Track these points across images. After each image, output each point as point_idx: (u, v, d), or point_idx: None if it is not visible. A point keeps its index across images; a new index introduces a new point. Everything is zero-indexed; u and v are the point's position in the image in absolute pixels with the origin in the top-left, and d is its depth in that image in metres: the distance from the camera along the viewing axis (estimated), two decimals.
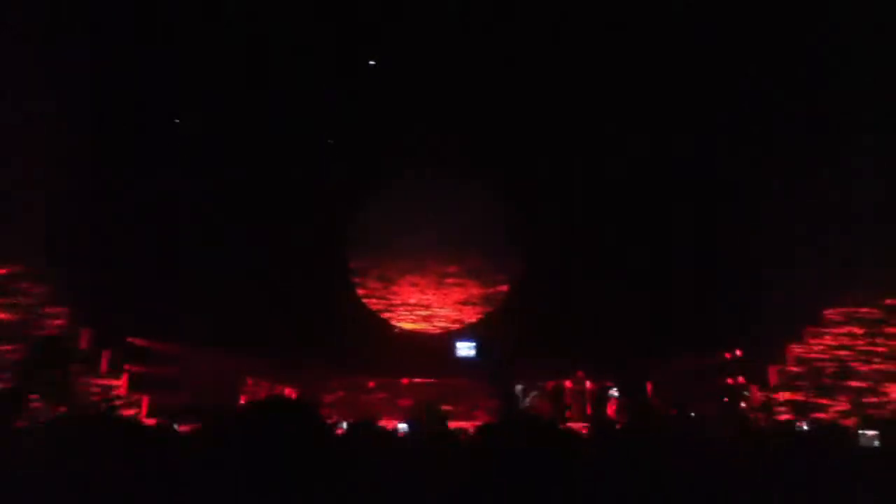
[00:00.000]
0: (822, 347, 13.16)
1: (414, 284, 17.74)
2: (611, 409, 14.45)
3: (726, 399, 13.25)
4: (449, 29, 12.92)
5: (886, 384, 12.53)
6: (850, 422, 11.59)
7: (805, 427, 8.81)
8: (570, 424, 10.32)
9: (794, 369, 13.19)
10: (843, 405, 12.48)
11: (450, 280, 17.74)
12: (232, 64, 13.06)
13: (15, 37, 10.44)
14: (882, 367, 12.66)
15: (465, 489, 2.25)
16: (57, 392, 10.83)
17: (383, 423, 7.68)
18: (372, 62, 13.85)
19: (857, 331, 13.09)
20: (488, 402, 15.16)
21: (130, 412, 12.24)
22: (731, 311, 12.94)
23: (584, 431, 7.32)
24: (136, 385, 13.01)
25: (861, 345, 12.94)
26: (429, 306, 17.67)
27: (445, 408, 12.75)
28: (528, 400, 15.20)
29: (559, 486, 2.10)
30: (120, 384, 12.85)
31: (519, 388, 15.24)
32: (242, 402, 13.60)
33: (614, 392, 14.64)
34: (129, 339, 13.09)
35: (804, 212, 12.25)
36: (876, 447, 5.90)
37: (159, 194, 13.59)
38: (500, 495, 2.11)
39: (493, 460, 2.25)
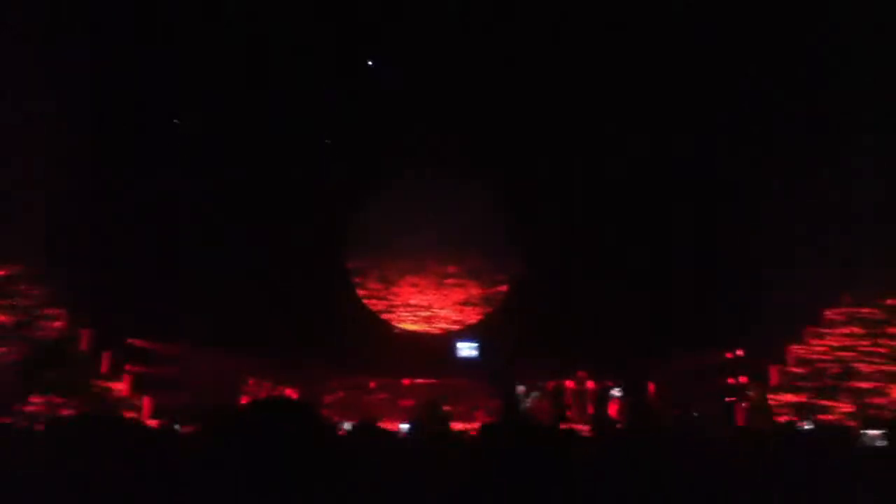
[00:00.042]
0: (823, 348, 13.13)
1: (414, 285, 17.73)
2: (613, 410, 14.42)
3: (728, 399, 13.24)
4: (449, 29, 12.92)
5: (890, 385, 12.48)
6: (853, 423, 11.55)
7: (807, 427, 8.79)
8: (572, 425, 10.31)
9: (797, 370, 13.16)
10: (847, 406, 12.43)
11: (450, 281, 17.73)
12: (232, 64, 13.06)
13: (15, 37, 10.45)
14: (885, 367, 12.62)
15: (466, 489, 2.25)
16: (58, 394, 10.83)
17: (385, 424, 7.67)
18: (372, 63, 13.85)
19: (859, 331, 13.06)
20: (490, 403, 15.14)
21: (132, 413, 12.21)
22: (731, 311, 12.93)
23: (585, 432, 7.32)
24: (137, 386, 12.99)
25: (864, 346, 12.90)
26: (429, 307, 17.66)
27: (447, 408, 12.75)
28: (529, 400, 15.17)
29: (559, 487, 2.10)
30: (121, 386, 12.83)
31: (521, 388, 15.22)
32: (244, 402, 13.57)
33: (616, 392, 14.62)
34: (130, 341, 13.07)
35: (804, 212, 12.25)
36: (877, 447, 5.89)
37: (159, 194, 13.58)
38: (500, 496, 2.11)
39: (493, 461, 2.25)
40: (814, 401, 12.71)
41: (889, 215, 11.69)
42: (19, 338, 11.50)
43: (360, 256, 17.66)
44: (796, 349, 13.32)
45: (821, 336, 13.27)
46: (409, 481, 2.62)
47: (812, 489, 2.67)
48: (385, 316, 17.47)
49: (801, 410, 12.53)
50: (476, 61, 13.49)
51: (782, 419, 12.45)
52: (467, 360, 16.64)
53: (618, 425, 10.31)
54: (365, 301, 17.50)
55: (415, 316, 17.61)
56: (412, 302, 17.69)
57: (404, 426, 9.70)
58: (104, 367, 12.73)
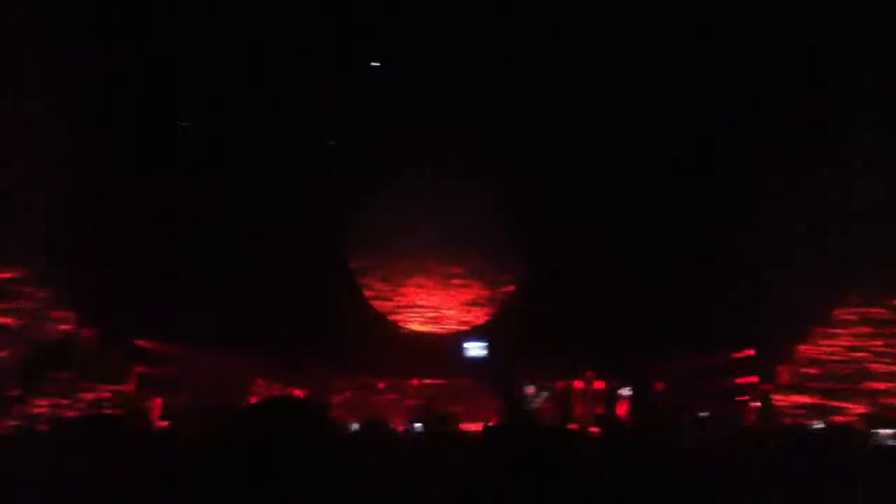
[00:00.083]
0: (834, 348, 13.07)
1: (420, 286, 17.73)
2: (621, 410, 14.37)
3: (735, 399, 13.21)
4: (449, 29, 12.92)
5: None
6: (865, 423, 11.48)
7: (815, 426, 8.77)
8: (578, 426, 10.30)
9: (807, 370, 13.10)
10: (859, 407, 12.35)
11: (455, 281, 17.73)
12: (232, 64, 13.06)
13: (15, 37, 10.45)
14: (894, 367, 12.56)
15: (466, 490, 2.25)
16: (60, 395, 10.83)
17: (393, 424, 7.68)
18: (372, 62, 13.86)
19: (868, 331, 12.99)
20: (496, 403, 15.12)
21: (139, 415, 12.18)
22: (732, 311, 12.93)
23: (593, 433, 7.29)
24: (142, 386, 12.97)
25: (876, 346, 12.82)
26: (437, 307, 17.65)
27: (454, 409, 12.75)
28: (538, 401, 15.13)
29: (564, 487, 2.10)
30: (127, 388, 12.81)
31: (529, 388, 15.19)
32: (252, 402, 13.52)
33: (624, 392, 14.57)
34: (133, 341, 13.07)
35: (805, 212, 12.25)
36: (880, 447, 5.89)
37: (159, 194, 13.58)
38: (504, 496, 2.11)
39: (496, 461, 2.25)
40: (825, 401, 12.63)
41: (889, 215, 11.69)
42: (23, 340, 11.48)
43: (361, 256, 17.66)
44: (805, 349, 13.27)
45: (830, 336, 13.20)
46: (412, 481, 2.62)
47: (822, 489, 2.67)
48: (392, 317, 17.48)
49: (813, 411, 12.47)
50: (476, 62, 13.49)
51: (793, 420, 12.38)
52: (475, 361, 16.64)
53: (627, 426, 10.29)
54: (371, 301, 17.50)
55: (422, 317, 17.61)
56: (419, 302, 17.68)
57: (418, 425, 9.75)
58: (108, 368, 12.71)
